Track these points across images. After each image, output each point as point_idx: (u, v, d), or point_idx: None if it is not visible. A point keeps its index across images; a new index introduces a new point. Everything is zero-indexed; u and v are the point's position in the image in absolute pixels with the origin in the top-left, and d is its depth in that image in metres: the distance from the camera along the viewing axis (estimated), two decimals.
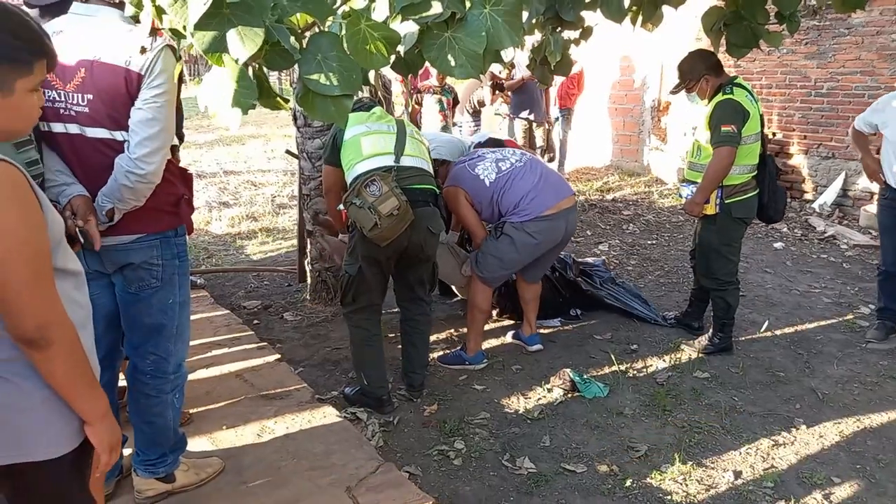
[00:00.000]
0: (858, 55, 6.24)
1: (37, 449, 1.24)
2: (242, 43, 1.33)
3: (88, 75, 1.85)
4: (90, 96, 1.87)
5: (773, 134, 6.96)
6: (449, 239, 3.71)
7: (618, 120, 8.91)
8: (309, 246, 4.25)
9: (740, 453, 2.75)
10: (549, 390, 3.22)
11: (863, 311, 4.21)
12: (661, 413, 3.03)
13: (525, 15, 2.45)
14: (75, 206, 1.85)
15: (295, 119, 4.17)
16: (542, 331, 3.82)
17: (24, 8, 2.00)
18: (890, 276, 3.73)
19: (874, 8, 5.99)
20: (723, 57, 3.38)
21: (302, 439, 2.66)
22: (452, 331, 3.93)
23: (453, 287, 4.18)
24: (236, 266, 5.21)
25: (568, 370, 3.28)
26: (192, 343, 2.39)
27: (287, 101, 1.61)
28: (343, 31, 1.54)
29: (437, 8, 1.58)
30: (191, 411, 2.82)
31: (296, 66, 1.50)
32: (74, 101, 1.87)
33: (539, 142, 7.33)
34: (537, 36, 3.10)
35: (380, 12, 1.69)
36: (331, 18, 1.72)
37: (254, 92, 1.38)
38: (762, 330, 3.91)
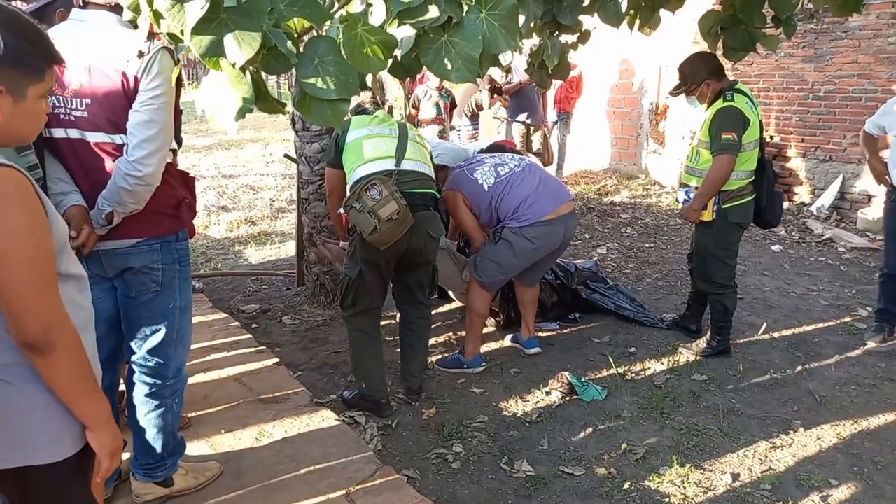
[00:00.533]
0: (856, 58, 6.26)
1: (40, 452, 1.24)
2: (240, 47, 1.33)
3: (86, 80, 1.86)
4: (88, 101, 1.87)
5: (771, 137, 6.98)
6: (448, 245, 3.72)
7: (616, 123, 8.93)
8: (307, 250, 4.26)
9: (738, 456, 2.75)
10: (548, 393, 3.22)
11: (860, 313, 4.22)
12: (659, 416, 3.03)
13: (522, 19, 2.46)
14: (69, 216, 1.86)
15: (293, 123, 4.18)
16: (540, 334, 3.83)
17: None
18: (892, 278, 3.74)
19: (871, 11, 6.02)
20: (720, 60, 3.39)
21: (300, 443, 2.66)
22: (451, 334, 3.94)
23: (451, 293, 4.19)
24: (235, 270, 5.22)
25: (566, 373, 3.28)
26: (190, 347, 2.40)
27: (284, 104, 1.61)
28: (340, 36, 1.55)
29: (433, 12, 1.59)
30: (189, 415, 2.82)
31: (293, 70, 1.51)
32: (73, 106, 1.88)
33: (536, 145, 7.34)
34: (535, 40, 3.11)
35: (377, 16, 1.70)
36: (328, 23, 1.73)
37: (251, 96, 1.38)
38: (760, 332, 3.92)
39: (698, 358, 3.58)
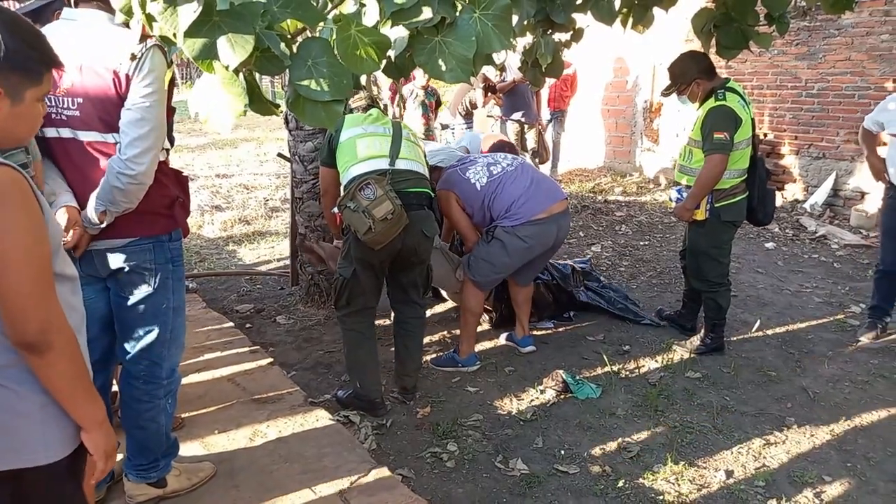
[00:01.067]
0: (848, 56, 6.29)
1: (35, 454, 1.24)
2: (233, 50, 1.33)
3: (78, 79, 1.85)
4: (80, 100, 1.87)
5: (765, 134, 7.01)
6: (441, 244, 3.72)
7: (610, 121, 8.94)
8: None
9: (732, 453, 2.76)
10: (542, 391, 3.23)
11: (853, 310, 4.24)
12: (654, 413, 3.04)
13: (515, 18, 2.46)
14: (61, 216, 1.85)
15: (287, 122, 4.17)
16: (534, 333, 3.83)
17: None
18: (887, 275, 3.76)
19: (864, 9, 6.04)
20: (713, 58, 3.39)
21: (294, 443, 2.66)
22: (445, 333, 3.94)
23: (444, 293, 4.19)
24: (228, 270, 5.20)
25: (560, 371, 3.29)
26: (184, 348, 2.39)
27: (278, 106, 1.61)
28: (333, 37, 1.54)
29: (427, 13, 1.59)
30: (183, 416, 2.81)
31: (287, 71, 1.51)
32: (65, 106, 1.87)
33: (531, 143, 7.35)
34: (529, 38, 3.11)
35: (370, 17, 1.70)
36: (322, 24, 1.72)
37: (244, 97, 1.38)
38: (754, 330, 3.94)
39: (692, 356, 3.60)
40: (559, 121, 8.25)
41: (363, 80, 2.48)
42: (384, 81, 6.88)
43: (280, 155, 4.54)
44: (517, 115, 7.33)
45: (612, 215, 6.68)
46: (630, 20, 3.06)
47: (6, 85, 1.15)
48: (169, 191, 2.07)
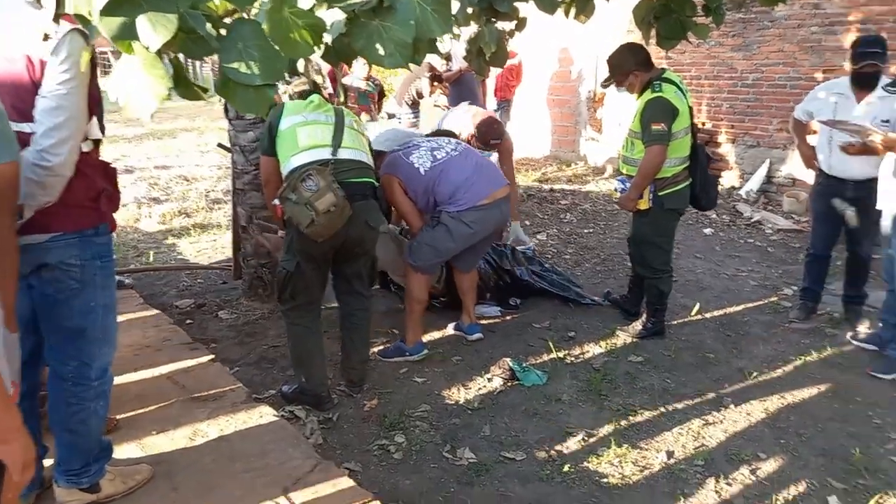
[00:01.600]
0: (781, 47, 6.51)
1: None
2: (154, 30, 1.26)
3: None
4: None
5: (703, 124, 7.20)
6: (390, 228, 3.68)
7: (556, 111, 9.04)
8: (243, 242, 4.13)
9: (672, 434, 2.83)
10: (490, 380, 3.24)
11: (786, 292, 4.41)
12: (598, 398, 3.10)
13: (457, 5, 2.43)
14: None
15: (227, 112, 4.03)
16: (481, 321, 3.84)
17: None
18: (817, 258, 3.92)
19: (795, 2, 6.25)
20: (653, 49, 3.45)
21: (236, 441, 2.59)
22: (392, 327, 3.89)
23: (393, 276, 4.14)
24: (168, 264, 5.02)
25: (507, 359, 3.31)
26: (118, 346, 2.28)
27: (206, 90, 1.54)
28: (266, 19, 1.49)
29: None
30: (118, 417, 2.69)
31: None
32: None
33: None
34: (474, 27, 3.09)
35: None
36: (257, 7, 1.66)
37: (167, 80, 1.31)
38: (693, 313, 4.05)
39: (634, 340, 3.67)
40: (505, 110, 8.27)
41: (302, 65, 2.40)
42: (326, 68, 6.74)
43: (220, 145, 4.39)
44: (464, 105, 7.31)
45: (557, 204, 6.75)
46: (572, 10, 3.08)
47: None
48: (94, 183, 1.96)
